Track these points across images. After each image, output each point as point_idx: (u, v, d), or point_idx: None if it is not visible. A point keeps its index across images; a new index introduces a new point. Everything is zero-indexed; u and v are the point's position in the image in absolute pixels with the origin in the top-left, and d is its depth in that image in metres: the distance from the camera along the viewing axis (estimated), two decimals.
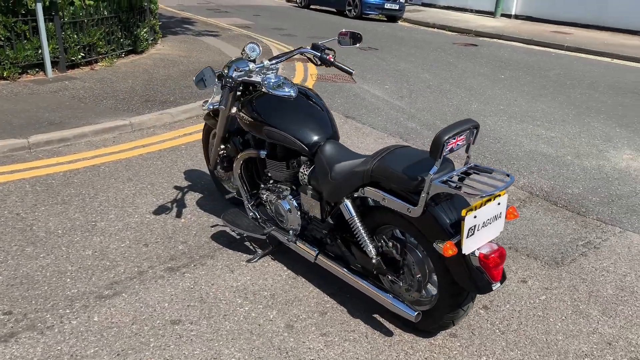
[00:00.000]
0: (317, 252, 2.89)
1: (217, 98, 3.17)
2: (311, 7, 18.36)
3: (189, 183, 4.21)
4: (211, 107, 3.39)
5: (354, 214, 2.58)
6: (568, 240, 3.69)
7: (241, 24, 13.34)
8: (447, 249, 2.11)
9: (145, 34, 8.12)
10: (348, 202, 2.59)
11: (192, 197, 3.97)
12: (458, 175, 2.21)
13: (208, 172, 4.38)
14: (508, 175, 2.16)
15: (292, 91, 2.95)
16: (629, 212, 4.17)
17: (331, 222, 2.75)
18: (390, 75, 8.64)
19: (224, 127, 3.38)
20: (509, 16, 16.61)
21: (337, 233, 2.80)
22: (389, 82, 8.17)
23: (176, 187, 4.11)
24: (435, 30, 15.02)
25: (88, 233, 3.39)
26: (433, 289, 2.57)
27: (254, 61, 3.09)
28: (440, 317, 2.45)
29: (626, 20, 14.04)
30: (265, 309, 2.78)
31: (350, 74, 3.17)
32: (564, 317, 2.85)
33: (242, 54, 3.11)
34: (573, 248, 3.59)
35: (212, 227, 3.56)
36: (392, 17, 16.33)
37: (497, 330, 2.71)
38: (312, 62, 3.23)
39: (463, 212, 2.09)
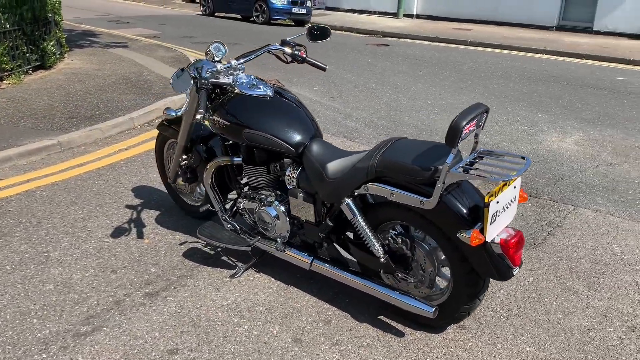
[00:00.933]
0: (311, 258, 2.74)
1: (182, 103, 2.94)
2: (216, 14, 17.98)
3: (141, 200, 3.88)
4: (174, 114, 3.13)
5: (357, 213, 2.46)
6: (532, 221, 3.79)
7: (148, 34, 12.76)
8: (474, 238, 2.05)
9: (52, 48, 7.50)
10: (350, 202, 2.47)
11: (149, 215, 3.66)
12: (472, 161, 2.16)
13: (159, 187, 4.08)
14: (523, 158, 2.14)
15: (268, 90, 2.79)
16: (575, 190, 4.37)
17: (330, 224, 2.61)
18: (316, 77, 8.60)
19: (187, 135, 3.14)
20: (411, 16, 17.20)
21: (335, 235, 2.67)
22: (317, 84, 8.13)
23: (128, 206, 3.78)
24: (344, 32, 15.22)
25: (42, 265, 3.01)
26: (442, 282, 2.51)
27: (219, 62, 2.89)
28: (457, 309, 2.39)
29: (518, 15, 15.01)
30: (265, 324, 2.59)
31: (324, 69, 3.06)
32: (556, 296, 2.90)
33: (206, 54, 2.89)
34: (539, 228, 3.69)
35: (180, 245, 3.29)
36: (300, 22, 16.37)
37: (502, 317, 2.70)
38: (280, 59, 3.08)
39: (486, 199, 2.04)
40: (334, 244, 2.70)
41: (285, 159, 2.80)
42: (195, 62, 2.90)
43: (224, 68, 2.84)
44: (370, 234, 2.46)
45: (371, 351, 2.42)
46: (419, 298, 2.44)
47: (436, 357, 2.39)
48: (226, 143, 3.08)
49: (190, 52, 10.32)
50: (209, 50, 2.88)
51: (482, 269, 2.20)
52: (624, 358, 2.42)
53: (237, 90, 2.81)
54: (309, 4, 16.21)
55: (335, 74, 8.87)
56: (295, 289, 2.87)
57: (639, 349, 2.49)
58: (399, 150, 2.32)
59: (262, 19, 15.96)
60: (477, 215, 2.17)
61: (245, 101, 2.77)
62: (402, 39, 14.17)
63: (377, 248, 2.46)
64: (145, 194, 3.99)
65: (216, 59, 2.90)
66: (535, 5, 14.66)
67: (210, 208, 3.16)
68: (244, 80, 2.86)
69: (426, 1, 16.96)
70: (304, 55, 3.00)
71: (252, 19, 16.46)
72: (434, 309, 2.36)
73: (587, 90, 8.35)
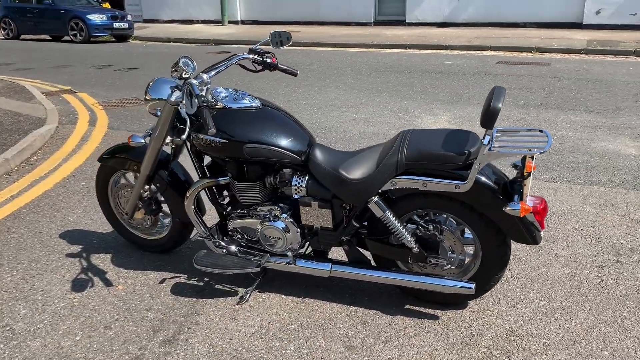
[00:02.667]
0: (329, 265, 2.70)
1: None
2: (22, 37, 16.11)
3: (80, 246, 3.42)
4: (142, 141, 2.84)
5: (386, 209, 2.49)
6: None
7: None
8: (523, 210, 2.23)
9: None
10: (378, 199, 2.49)
11: (101, 260, 3.25)
12: (497, 141, 2.32)
13: (89, 227, 3.65)
14: (541, 131, 2.36)
15: (256, 101, 2.68)
16: None
17: (355, 224, 2.60)
18: None
19: (153, 162, 2.88)
20: (236, 22, 17.26)
21: (356, 236, 2.67)
22: None
23: (70, 255, 3.31)
24: (173, 44, 14.74)
25: (14, 342, 2.52)
26: (467, 259, 2.65)
27: (188, 78, 2.69)
28: (489, 281, 2.56)
29: (338, 14, 15.96)
30: (309, 341, 2.50)
31: (295, 74, 3.01)
32: (529, 254, 3.23)
33: (176, 70, 2.66)
34: None
35: (160, 283, 2.99)
36: (123, 37, 15.46)
37: (503, 283, 2.94)
38: (247, 69, 2.96)
39: (526, 171, 2.22)
40: (354, 244, 2.70)
41: (284, 170, 2.71)
42: (164, 80, 2.68)
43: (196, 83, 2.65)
44: (401, 227, 2.51)
45: (422, 339, 2.49)
46: (456, 278, 2.56)
47: (479, 329, 2.54)
48: (202, 164, 2.88)
49: (20, 80, 9.17)
50: (178, 67, 2.66)
51: (517, 237, 2.39)
52: (611, 290, 2.82)
53: (220, 105, 2.64)
54: (129, 17, 15.38)
55: None
56: (312, 300, 2.81)
57: (616, 280, 2.91)
58: (423, 140, 2.41)
59: (81, 37, 14.74)
60: (507, 189, 2.36)
61: (237, 115, 2.62)
62: (236, 45, 14.18)
63: (410, 239, 2.53)
64: (80, 238, 3.52)
65: (186, 74, 2.70)
66: (352, 4, 15.71)
67: (201, 237, 2.92)
68: (224, 94, 2.71)
69: (249, 7, 17.16)
70: (276, 62, 2.93)
71: (65, 38, 15.10)
72: (474, 285, 2.50)
73: (430, 75, 9.26)
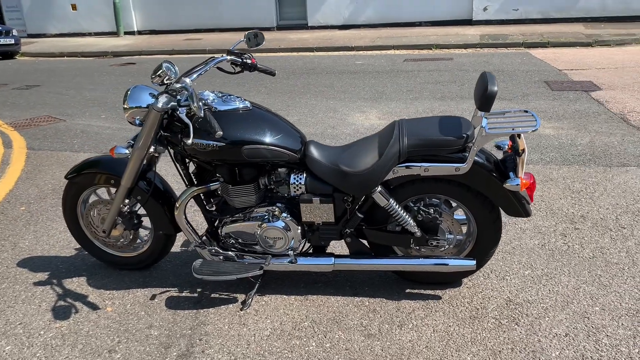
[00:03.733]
0: (332, 259, 2.73)
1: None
2: None
3: (46, 272, 3.18)
4: (126, 152, 2.70)
5: (390, 197, 2.57)
6: None
7: None
8: (523, 184, 2.40)
9: None
10: (382, 189, 2.56)
11: (77, 284, 3.04)
12: (490, 123, 2.48)
13: (48, 252, 3.40)
14: (526, 111, 2.55)
15: (245, 102, 2.66)
16: None
17: (360, 215, 2.65)
18: (90, 105, 7.84)
19: (135, 173, 2.75)
20: (132, 33, 16.61)
21: (357, 227, 2.72)
22: (98, 111, 7.43)
23: (39, 284, 3.06)
24: (68, 58, 13.91)
25: None
26: (461, 236, 2.78)
27: (171, 83, 2.62)
28: (487, 255, 2.72)
29: (240, 20, 15.89)
30: (327, 335, 2.51)
31: (273, 74, 3.00)
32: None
33: (158, 76, 2.57)
34: None
35: (151, 299, 2.86)
36: (9, 54, 14.34)
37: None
38: (226, 72, 2.92)
39: (520, 148, 2.40)
40: (355, 235, 2.74)
41: (279, 169, 2.71)
42: (161, 93, 2.56)
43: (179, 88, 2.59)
44: (404, 213, 2.60)
45: (433, 319, 2.59)
46: (457, 257, 2.69)
47: (481, 302, 2.69)
48: (189, 171, 2.80)
49: None
50: (161, 72, 2.58)
51: (512, 210, 2.57)
52: (579, 254, 3.10)
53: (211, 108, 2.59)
54: (15, 32, 14.30)
55: (108, 99, 8.18)
56: (315, 296, 2.82)
57: (581, 245, 3.20)
58: (420, 128, 2.51)
59: None
60: (499, 166, 2.53)
61: (232, 117, 2.58)
62: (139, 56, 13.67)
63: (413, 224, 2.62)
64: (42, 265, 3.27)
65: (166, 80, 2.62)
66: (253, 9, 15.71)
67: (196, 247, 2.82)
68: (212, 97, 2.65)
69: (145, 16, 16.59)
70: (255, 62, 2.91)
71: None
72: (474, 262, 2.65)
73: (346, 75, 9.51)
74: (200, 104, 2.36)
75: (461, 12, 14.38)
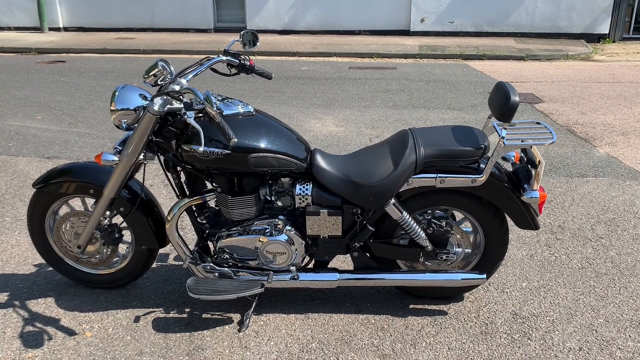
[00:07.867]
0: (337, 274, 2.58)
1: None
2: None
3: (4, 294, 2.81)
4: (115, 159, 2.42)
5: (403, 210, 2.46)
6: None
7: None
8: (542, 195, 2.36)
9: None
10: (395, 201, 2.44)
11: (44, 306, 2.70)
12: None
13: (5, 271, 3.02)
14: (538, 123, 2.51)
15: (248, 107, 2.47)
16: None
17: (371, 228, 2.51)
18: (21, 104, 7.22)
19: (120, 183, 2.48)
20: (58, 29, 15.60)
21: (363, 242, 2.58)
22: (31, 111, 6.85)
23: (6, 314, 2.70)
24: None
25: None
26: (469, 249, 2.71)
27: (168, 84, 2.39)
28: (494, 267, 2.67)
29: (175, 20, 15.35)
30: (339, 357, 2.36)
31: (270, 77, 2.81)
32: None
33: (154, 75, 2.34)
34: None
35: (135, 322, 2.59)
36: None
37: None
38: (221, 73, 2.71)
39: (537, 160, 2.36)
40: (361, 250, 2.61)
41: (282, 179, 2.53)
42: (161, 95, 2.30)
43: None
44: (416, 226, 2.49)
45: (447, 336, 2.50)
46: (467, 271, 2.61)
47: (488, 317, 2.63)
48: (181, 180, 2.56)
49: None
50: (157, 71, 2.34)
51: (523, 223, 2.52)
52: (568, 264, 3.13)
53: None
54: None
55: (44, 99, 7.58)
56: (316, 314, 2.66)
57: (567, 255, 3.24)
58: (435, 138, 2.42)
59: None
60: (512, 178, 2.49)
61: (235, 123, 2.37)
62: (67, 54, 12.85)
63: (424, 237, 2.52)
64: (0, 284, 2.89)
65: (160, 82, 2.39)
66: (189, 10, 15.23)
67: (190, 264, 2.57)
68: (213, 100, 2.43)
69: (72, 12, 15.66)
70: (253, 64, 2.72)
71: None
72: (484, 276, 2.58)
73: (294, 81, 9.37)
74: (214, 105, 2.15)
75: (399, 23, 14.63)
